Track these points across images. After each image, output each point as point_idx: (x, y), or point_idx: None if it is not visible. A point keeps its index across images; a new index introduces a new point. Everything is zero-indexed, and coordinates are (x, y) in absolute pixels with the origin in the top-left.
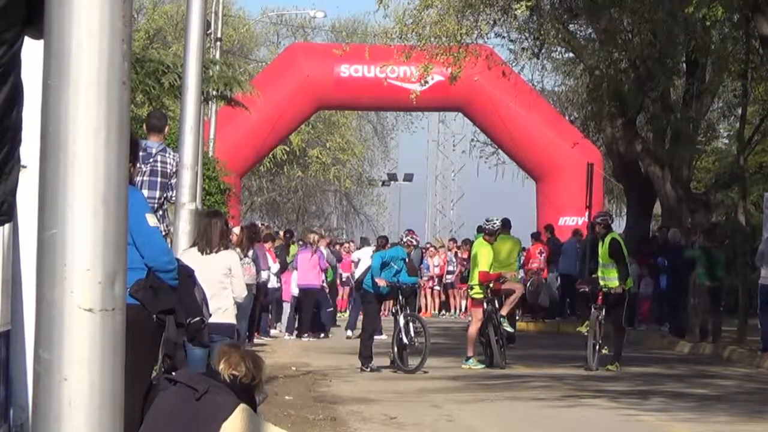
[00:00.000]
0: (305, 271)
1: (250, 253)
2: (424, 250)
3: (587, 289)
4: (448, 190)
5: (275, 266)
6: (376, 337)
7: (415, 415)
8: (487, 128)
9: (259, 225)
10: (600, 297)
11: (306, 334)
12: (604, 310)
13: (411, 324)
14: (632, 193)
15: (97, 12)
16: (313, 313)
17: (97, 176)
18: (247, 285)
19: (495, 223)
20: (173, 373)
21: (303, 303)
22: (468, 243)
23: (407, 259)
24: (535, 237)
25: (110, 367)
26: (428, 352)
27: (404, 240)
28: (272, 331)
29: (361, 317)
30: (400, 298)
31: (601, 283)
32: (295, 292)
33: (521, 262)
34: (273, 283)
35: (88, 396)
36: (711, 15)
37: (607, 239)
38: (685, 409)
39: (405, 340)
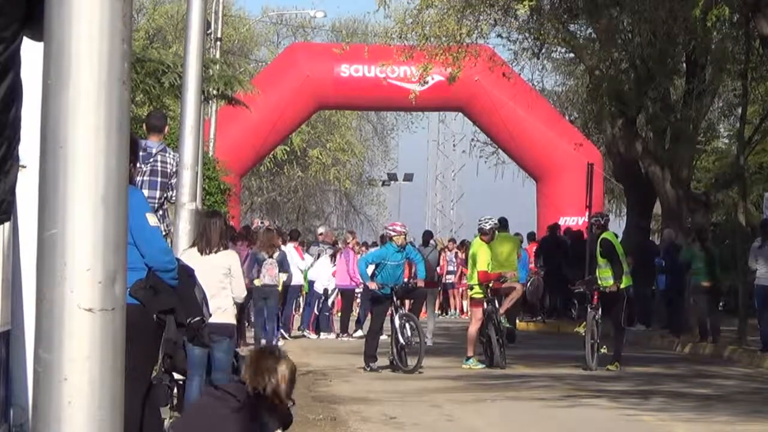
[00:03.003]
0: (343, 272)
1: (276, 254)
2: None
3: (582, 290)
4: (448, 190)
5: (303, 263)
6: (356, 334)
7: (415, 415)
8: (487, 128)
9: (258, 222)
10: (595, 296)
11: (345, 334)
12: (600, 310)
13: (407, 324)
14: (632, 193)
15: (97, 12)
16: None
17: (97, 176)
18: (271, 286)
19: (489, 222)
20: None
21: (342, 302)
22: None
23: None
24: (531, 237)
25: (110, 367)
26: (423, 351)
27: (385, 234)
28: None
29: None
30: (395, 299)
31: (598, 282)
32: (320, 290)
33: (525, 259)
34: (299, 280)
35: (88, 396)
36: (719, 14)
37: (600, 239)
38: (686, 409)
39: (401, 341)
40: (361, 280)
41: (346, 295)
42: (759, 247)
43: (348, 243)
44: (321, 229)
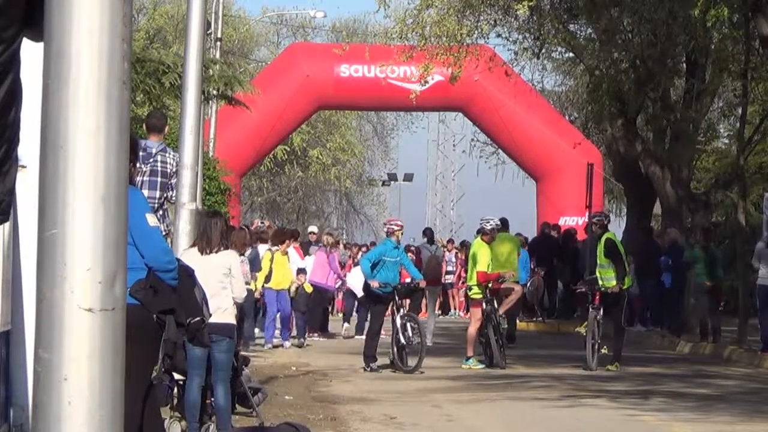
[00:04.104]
0: (318, 270)
1: (248, 252)
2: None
3: (585, 290)
4: (448, 190)
5: (303, 263)
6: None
7: (415, 415)
8: (487, 128)
9: (258, 222)
10: (597, 297)
11: (316, 334)
12: (602, 310)
13: (408, 324)
14: (632, 193)
15: (97, 12)
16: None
17: (97, 176)
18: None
19: (490, 222)
20: None
21: (314, 301)
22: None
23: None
24: (525, 241)
25: (110, 367)
26: (425, 352)
27: (385, 230)
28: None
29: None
30: (397, 298)
31: (600, 283)
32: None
33: (527, 260)
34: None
35: (88, 396)
36: (718, 14)
37: (603, 239)
38: (686, 409)
39: (402, 341)
40: (339, 280)
41: (322, 293)
42: (767, 247)
43: (328, 243)
44: (312, 228)
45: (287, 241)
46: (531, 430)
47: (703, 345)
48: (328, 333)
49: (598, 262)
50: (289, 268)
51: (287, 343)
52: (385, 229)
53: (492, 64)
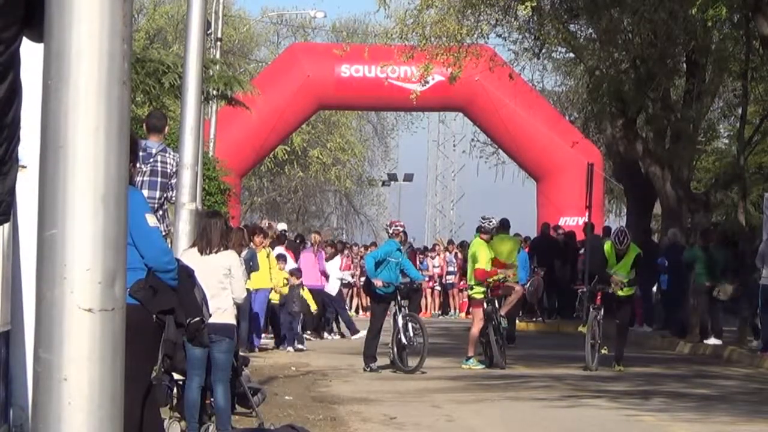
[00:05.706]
0: (309, 272)
1: (244, 253)
2: (424, 252)
3: (585, 290)
4: (448, 190)
5: (295, 266)
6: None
7: (415, 415)
8: (487, 128)
9: (265, 223)
10: (599, 297)
11: (308, 333)
12: (602, 311)
13: (410, 324)
14: (632, 193)
15: (97, 12)
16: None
17: (97, 176)
18: None
19: (491, 222)
20: None
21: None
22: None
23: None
24: (525, 240)
25: (110, 367)
26: (426, 352)
27: (391, 231)
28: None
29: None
30: (398, 298)
31: (612, 286)
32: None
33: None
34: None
35: (88, 396)
36: (716, 14)
37: (633, 253)
38: (686, 409)
39: (404, 341)
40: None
41: (318, 295)
42: None
43: (315, 242)
44: (281, 226)
45: (256, 239)
46: (531, 430)
47: (703, 345)
48: (325, 333)
49: (617, 270)
50: (269, 267)
51: (264, 342)
52: (391, 231)
53: (492, 64)
